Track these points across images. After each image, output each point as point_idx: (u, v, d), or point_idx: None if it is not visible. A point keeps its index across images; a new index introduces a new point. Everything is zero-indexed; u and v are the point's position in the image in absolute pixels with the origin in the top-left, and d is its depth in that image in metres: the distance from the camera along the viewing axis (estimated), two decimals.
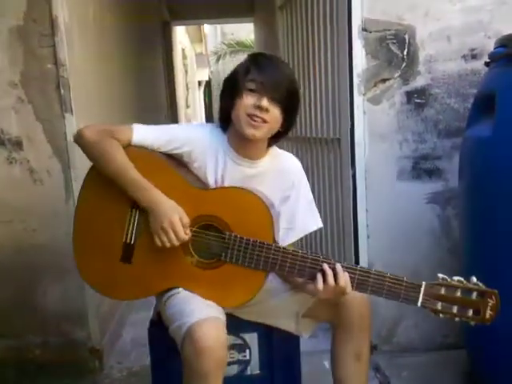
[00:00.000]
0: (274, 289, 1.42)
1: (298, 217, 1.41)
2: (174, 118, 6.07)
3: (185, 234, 1.29)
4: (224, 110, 1.37)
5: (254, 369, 1.50)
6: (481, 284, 1.20)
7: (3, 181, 1.93)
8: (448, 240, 2.07)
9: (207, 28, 12.53)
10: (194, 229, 1.32)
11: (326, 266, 1.24)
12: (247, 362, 1.49)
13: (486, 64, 1.69)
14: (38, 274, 1.96)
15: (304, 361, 1.55)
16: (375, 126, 2.02)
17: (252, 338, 1.47)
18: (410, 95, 2.02)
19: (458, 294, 1.21)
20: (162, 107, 5.29)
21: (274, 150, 1.45)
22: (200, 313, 1.21)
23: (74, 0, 2.07)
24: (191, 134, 1.38)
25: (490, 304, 1.19)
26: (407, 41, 2.00)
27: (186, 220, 1.29)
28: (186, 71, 10.19)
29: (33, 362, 2.02)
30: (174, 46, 6.91)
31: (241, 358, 1.47)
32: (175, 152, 1.36)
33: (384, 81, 2.02)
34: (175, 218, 1.27)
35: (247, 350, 1.48)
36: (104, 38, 2.67)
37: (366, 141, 2.02)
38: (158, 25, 5.57)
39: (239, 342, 1.47)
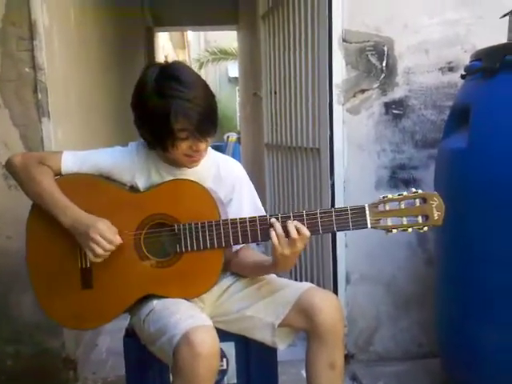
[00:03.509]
0: (248, 297, 1.42)
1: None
2: None
3: (116, 238, 1.29)
4: (149, 141, 1.36)
5: (230, 378, 1.49)
6: (420, 190, 1.24)
7: None
8: (423, 251, 2.10)
9: (190, 35, 12.54)
10: (143, 231, 1.33)
11: (272, 220, 1.26)
12: (224, 372, 1.47)
13: (462, 77, 1.73)
14: (12, 281, 1.91)
15: (281, 370, 1.55)
16: (354, 135, 2.04)
17: (229, 348, 1.46)
18: (388, 106, 2.04)
19: (403, 206, 1.24)
20: None
21: (213, 154, 1.46)
22: (188, 320, 1.21)
23: (55, 4, 2.05)
24: (118, 160, 1.40)
25: (434, 205, 1.22)
26: (386, 52, 2.03)
27: (114, 228, 1.30)
28: None
29: (4, 373, 1.97)
30: (157, 51, 6.89)
31: (218, 367, 1.45)
32: (105, 176, 1.39)
33: (363, 91, 2.04)
34: (100, 225, 1.28)
35: (224, 360, 1.46)
36: (85, 43, 2.65)
37: (345, 150, 2.04)
38: (141, 30, 5.56)
39: None
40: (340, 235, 2.07)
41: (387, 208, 1.24)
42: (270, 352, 1.48)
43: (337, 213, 1.25)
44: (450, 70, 2.03)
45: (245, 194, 1.45)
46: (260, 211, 1.45)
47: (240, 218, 1.30)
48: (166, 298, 1.33)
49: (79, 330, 1.43)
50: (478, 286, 1.50)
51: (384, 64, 2.03)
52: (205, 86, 1.32)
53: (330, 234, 2.09)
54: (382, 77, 2.04)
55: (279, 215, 1.28)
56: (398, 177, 2.07)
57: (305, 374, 1.42)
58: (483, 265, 1.47)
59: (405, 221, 1.24)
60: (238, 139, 8.38)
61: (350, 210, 1.25)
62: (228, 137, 9.16)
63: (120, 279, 1.34)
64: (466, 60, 1.83)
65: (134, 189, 1.39)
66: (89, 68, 2.71)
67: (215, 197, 1.34)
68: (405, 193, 1.25)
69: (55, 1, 2.07)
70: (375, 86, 2.04)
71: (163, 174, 1.39)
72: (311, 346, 1.36)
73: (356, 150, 2.05)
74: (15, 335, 1.97)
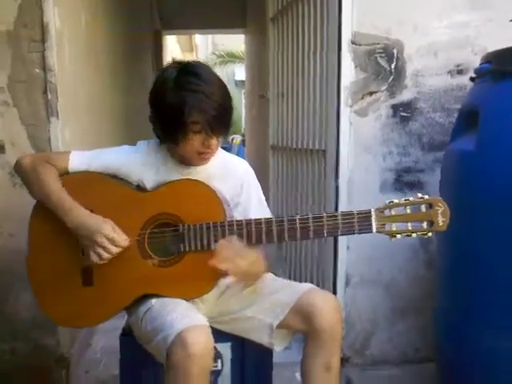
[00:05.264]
0: (248, 298, 1.41)
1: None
2: None
3: (124, 240, 1.29)
4: (161, 136, 1.37)
5: (225, 379, 1.48)
6: (426, 196, 1.25)
7: None
8: (425, 252, 2.08)
9: (198, 38, 12.58)
10: (148, 231, 1.33)
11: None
12: (218, 373, 1.46)
13: (472, 79, 1.71)
14: (13, 279, 1.91)
15: (275, 372, 1.54)
16: (360, 138, 2.04)
17: (225, 348, 1.45)
18: (395, 108, 2.03)
19: (408, 211, 1.24)
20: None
21: (220, 152, 1.46)
22: (184, 319, 1.21)
23: (67, 6, 2.08)
24: (125, 158, 1.40)
25: (439, 211, 1.23)
26: (395, 55, 2.02)
27: (118, 230, 1.30)
28: None
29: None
30: (165, 54, 6.92)
31: (212, 368, 1.41)
32: (112, 175, 1.39)
33: (371, 93, 2.03)
34: (107, 229, 1.27)
35: (219, 360, 1.45)
36: (95, 45, 2.67)
37: (351, 152, 2.03)
38: (149, 33, 5.59)
39: None
40: (341, 237, 2.05)
41: (393, 213, 1.25)
42: (265, 355, 1.47)
43: (343, 216, 1.25)
44: (459, 72, 2.02)
45: (253, 194, 1.46)
46: (266, 211, 1.47)
47: (245, 220, 1.30)
48: (166, 297, 1.33)
49: (77, 328, 1.44)
50: (479, 290, 1.49)
51: (393, 66, 2.03)
52: (223, 86, 1.33)
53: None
54: (391, 79, 2.03)
55: (285, 218, 1.27)
56: (404, 180, 2.06)
57: (299, 377, 1.42)
58: (488, 269, 1.45)
59: (409, 226, 1.25)
60: (243, 142, 8.41)
61: (357, 213, 1.25)
62: (233, 139, 9.22)
63: (121, 277, 1.34)
64: (475, 62, 1.81)
65: (140, 188, 1.39)
66: (98, 70, 2.73)
67: (221, 197, 1.34)
68: (411, 198, 1.25)
69: (67, 4, 2.10)
70: (383, 88, 2.03)
71: (171, 173, 1.39)
72: (308, 347, 1.35)
73: (362, 152, 2.04)
74: (11, 332, 1.96)
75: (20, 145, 1.88)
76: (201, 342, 1.16)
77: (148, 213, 1.33)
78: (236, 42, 10.57)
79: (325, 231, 1.26)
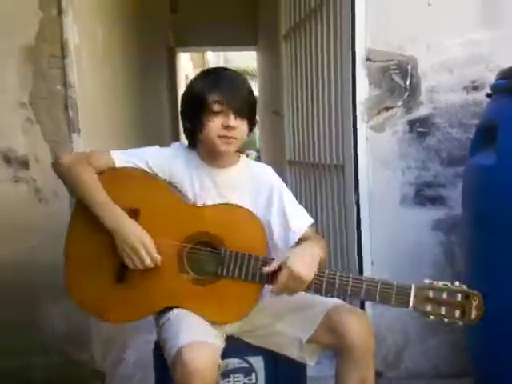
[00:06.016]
0: (277, 312, 1.42)
1: (290, 218, 1.44)
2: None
3: (157, 257, 1.30)
4: (189, 130, 1.43)
5: None
6: (464, 286, 1.27)
7: (7, 198, 1.93)
8: (451, 268, 2.07)
9: (210, 54, 12.71)
10: (189, 246, 1.33)
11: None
12: None
13: (488, 95, 1.73)
14: (41, 293, 1.93)
15: None
16: (378, 152, 2.05)
17: (258, 362, 1.45)
18: (412, 124, 2.05)
19: (445, 296, 1.27)
20: (165, 131, 5.33)
21: (245, 159, 1.52)
22: (189, 335, 1.20)
23: (84, 23, 2.12)
24: (166, 158, 1.43)
25: (474, 305, 1.24)
26: (409, 71, 2.04)
27: (154, 246, 1.30)
28: None
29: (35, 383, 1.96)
30: (178, 71, 7.01)
31: (247, 381, 1.43)
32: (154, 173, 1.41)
33: (387, 109, 2.05)
34: (147, 239, 1.29)
35: (253, 374, 1.44)
36: (112, 62, 2.71)
37: (370, 167, 2.05)
38: (163, 50, 5.67)
39: (245, 365, 1.45)
40: (365, 252, 2.06)
41: (431, 295, 1.27)
42: (299, 367, 1.46)
43: (383, 285, 1.28)
44: (475, 88, 2.02)
45: (284, 195, 1.48)
46: (301, 211, 1.50)
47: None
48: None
49: (100, 320, 1.43)
50: (510, 304, 1.48)
51: (408, 82, 2.04)
52: (245, 79, 1.42)
53: (356, 247, 2.09)
54: (406, 95, 2.04)
55: (326, 271, 1.30)
56: (424, 194, 2.06)
57: None
58: (511, 280, 1.45)
59: (443, 311, 1.26)
60: (258, 158, 8.48)
61: (397, 286, 1.28)
62: (247, 155, 9.28)
63: (154, 284, 1.33)
64: (490, 79, 1.83)
65: (188, 199, 1.40)
66: (115, 85, 2.77)
67: (267, 231, 1.35)
68: (449, 284, 1.27)
69: (85, 20, 2.14)
70: (399, 104, 2.04)
71: (201, 174, 1.42)
72: (341, 363, 1.34)
73: (380, 167, 2.05)
74: (43, 347, 1.97)
75: (43, 161, 1.91)
76: (200, 358, 1.13)
77: (192, 228, 1.33)
78: (248, 58, 10.68)
79: (362, 294, 1.30)
